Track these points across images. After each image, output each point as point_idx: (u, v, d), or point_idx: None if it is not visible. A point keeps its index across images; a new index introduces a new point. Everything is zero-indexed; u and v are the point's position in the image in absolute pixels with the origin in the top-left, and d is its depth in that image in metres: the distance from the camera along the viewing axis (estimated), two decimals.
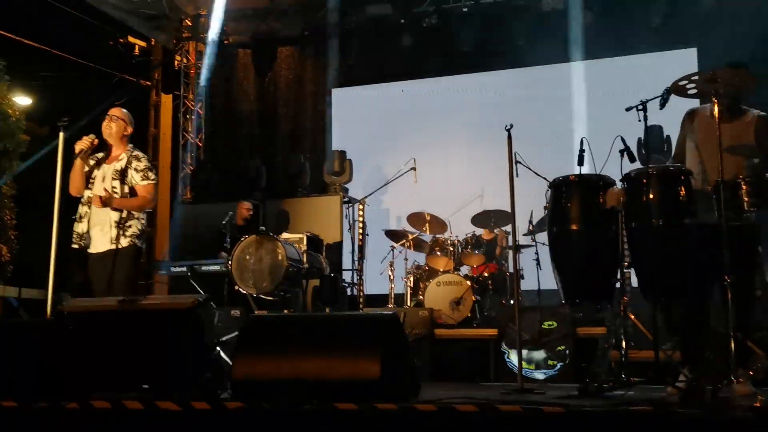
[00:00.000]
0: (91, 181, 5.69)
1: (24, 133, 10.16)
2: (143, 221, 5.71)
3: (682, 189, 4.47)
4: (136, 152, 5.79)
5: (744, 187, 4.22)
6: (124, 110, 5.89)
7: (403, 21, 10.04)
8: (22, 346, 4.45)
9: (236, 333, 5.25)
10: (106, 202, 5.51)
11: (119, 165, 5.70)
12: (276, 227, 8.35)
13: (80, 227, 5.66)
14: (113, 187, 5.62)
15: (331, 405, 3.53)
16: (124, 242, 5.57)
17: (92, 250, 5.61)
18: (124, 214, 5.58)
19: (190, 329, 4.32)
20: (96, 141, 5.67)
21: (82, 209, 5.69)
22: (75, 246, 5.66)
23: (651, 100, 4.94)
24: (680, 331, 4.85)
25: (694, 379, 4.23)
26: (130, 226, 5.60)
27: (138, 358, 4.31)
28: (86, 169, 5.70)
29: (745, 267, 4.39)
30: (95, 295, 5.47)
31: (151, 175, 5.73)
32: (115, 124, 5.77)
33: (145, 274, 10.18)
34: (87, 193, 5.67)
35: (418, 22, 9.92)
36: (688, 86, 4.47)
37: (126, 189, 5.64)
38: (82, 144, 5.62)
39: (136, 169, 5.69)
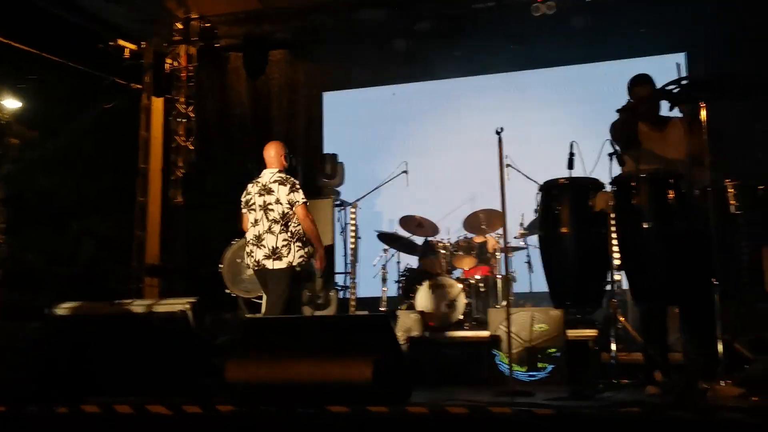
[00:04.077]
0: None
1: (14, 136, 10.11)
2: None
3: (671, 192, 4.51)
4: None
5: (731, 191, 4.27)
6: None
7: (395, 25, 10.04)
8: (12, 350, 4.45)
9: (228, 336, 5.27)
10: None
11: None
12: None
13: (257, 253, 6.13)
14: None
15: (324, 408, 3.54)
16: None
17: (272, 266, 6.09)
18: None
19: (182, 333, 4.33)
20: None
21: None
22: (255, 268, 6.15)
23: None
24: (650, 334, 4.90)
25: (685, 380, 4.26)
26: None
27: (131, 361, 4.32)
28: None
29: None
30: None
31: None
32: None
33: (136, 278, 10.17)
34: (254, 216, 6.20)
35: (410, 26, 9.93)
36: (675, 90, 4.51)
37: None
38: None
39: None
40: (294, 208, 6.13)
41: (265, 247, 6.07)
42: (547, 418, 3.36)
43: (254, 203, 6.22)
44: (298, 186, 6.22)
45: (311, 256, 6.23)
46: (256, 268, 6.13)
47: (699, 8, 8.65)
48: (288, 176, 6.27)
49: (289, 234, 6.09)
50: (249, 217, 6.26)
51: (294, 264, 6.07)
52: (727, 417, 3.25)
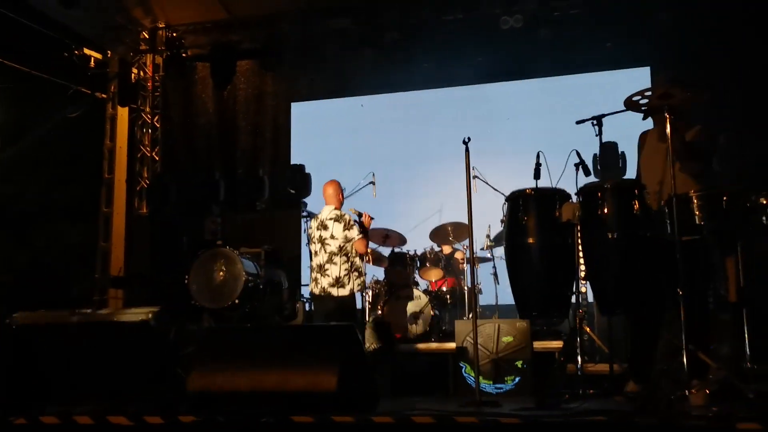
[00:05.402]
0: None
1: None
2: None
3: (636, 202, 4.54)
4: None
5: (695, 201, 4.30)
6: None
7: (364, 35, 10.05)
8: None
9: (193, 346, 5.19)
10: None
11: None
12: (235, 241, 8.27)
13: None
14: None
15: (288, 418, 3.50)
16: None
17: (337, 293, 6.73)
18: None
19: (144, 342, 4.27)
20: None
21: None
22: (321, 294, 6.75)
23: (607, 115, 5.03)
24: (629, 343, 4.93)
25: (650, 389, 4.28)
26: None
27: (92, 371, 4.24)
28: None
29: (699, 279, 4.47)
30: None
31: None
32: None
33: (100, 289, 10.03)
34: (314, 247, 6.86)
35: (379, 37, 9.94)
36: (641, 102, 4.55)
37: None
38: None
39: None
40: (352, 244, 6.77)
41: (329, 276, 6.72)
42: (514, 427, 3.35)
43: (313, 236, 6.91)
44: (352, 223, 6.83)
45: (366, 286, 6.99)
46: (322, 294, 6.74)
47: (661, 22, 8.77)
48: (343, 213, 6.87)
49: (349, 265, 6.75)
50: (312, 248, 6.94)
51: (355, 292, 6.80)
52: (691, 425, 3.27)
